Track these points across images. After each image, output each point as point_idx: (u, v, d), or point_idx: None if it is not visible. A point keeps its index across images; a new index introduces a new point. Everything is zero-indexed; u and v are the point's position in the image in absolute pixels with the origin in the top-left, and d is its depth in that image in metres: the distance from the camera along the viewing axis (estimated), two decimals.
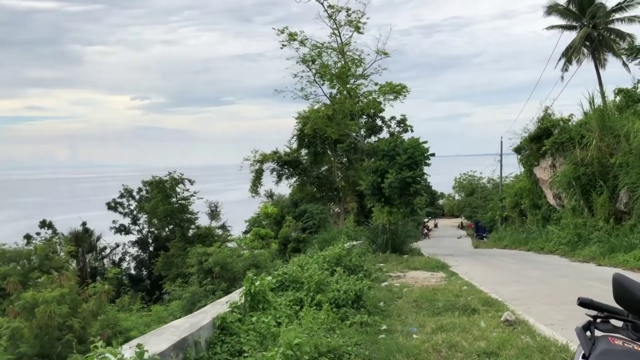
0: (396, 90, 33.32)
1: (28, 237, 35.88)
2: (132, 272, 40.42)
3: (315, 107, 36.05)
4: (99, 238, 39.84)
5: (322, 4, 30.47)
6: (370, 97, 34.35)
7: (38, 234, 36.54)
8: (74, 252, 32.11)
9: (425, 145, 24.07)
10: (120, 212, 41.94)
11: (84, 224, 39.14)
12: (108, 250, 40.56)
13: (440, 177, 67.66)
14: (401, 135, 40.03)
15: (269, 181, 45.69)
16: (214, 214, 41.59)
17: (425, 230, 59.64)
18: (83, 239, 37.32)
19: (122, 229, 41.62)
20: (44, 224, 37.60)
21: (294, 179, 45.65)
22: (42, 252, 27.23)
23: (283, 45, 31.37)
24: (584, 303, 2.79)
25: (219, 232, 39.72)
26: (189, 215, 38.04)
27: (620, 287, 2.64)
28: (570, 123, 28.52)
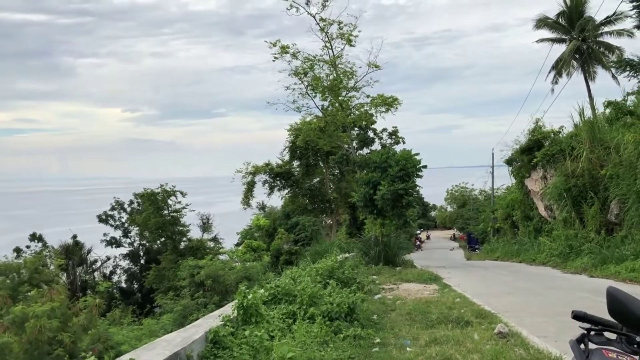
0: (388, 103, 33.45)
1: (18, 251, 35.56)
2: (123, 285, 40.09)
3: (308, 119, 36.11)
4: (89, 251, 39.53)
5: (314, 17, 30.60)
6: (362, 109, 34.43)
7: (28, 247, 36.23)
8: (64, 265, 31.89)
9: (417, 157, 24.12)
10: (112, 225, 41.66)
11: (74, 236, 38.84)
12: (99, 264, 40.25)
13: (432, 189, 67.81)
14: (393, 147, 40.16)
15: (260, 193, 45.66)
16: (205, 226, 41.41)
17: (418, 242, 59.62)
18: (73, 252, 37.03)
19: (113, 242, 41.31)
20: (34, 237, 37.28)
21: (286, 191, 45.62)
22: (31, 266, 27.01)
23: (275, 58, 31.43)
24: (578, 316, 2.80)
25: (211, 244, 39.56)
26: (181, 228, 37.87)
27: (614, 300, 2.65)
28: (560, 135, 28.74)
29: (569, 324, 3.37)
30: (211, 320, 7.38)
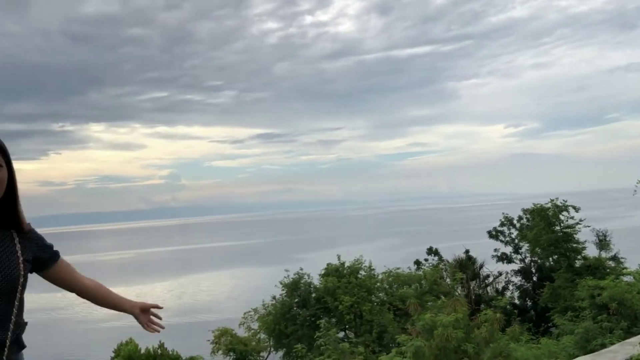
0: None
1: (417, 263, 39.38)
2: (516, 301, 39.94)
3: None
4: (481, 266, 40.78)
5: None
6: None
7: (426, 260, 39.70)
8: (460, 279, 33.71)
9: None
10: (502, 241, 42.11)
11: (467, 251, 40.65)
12: (491, 279, 41.12)
13: None
14: None
15: None
16: (602, 243, 38.03)
17: None
18: (467, 267, 38.78)
19: (504, 258, 41.63)
20: (430, 251, 40.63)
21: None
22: (431, 278, 29.51)
23: None
24: None
25: (611, 263, 36.04)
26: (575, 245, 35.62)
27: None
28: None
29: None
30: (630, 347, 6.68)
